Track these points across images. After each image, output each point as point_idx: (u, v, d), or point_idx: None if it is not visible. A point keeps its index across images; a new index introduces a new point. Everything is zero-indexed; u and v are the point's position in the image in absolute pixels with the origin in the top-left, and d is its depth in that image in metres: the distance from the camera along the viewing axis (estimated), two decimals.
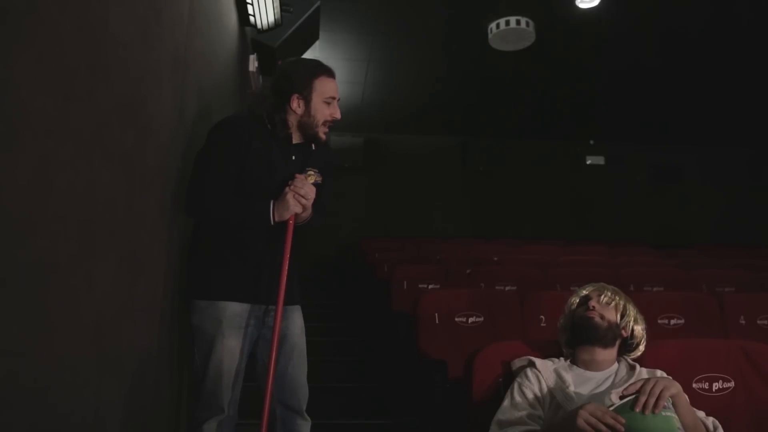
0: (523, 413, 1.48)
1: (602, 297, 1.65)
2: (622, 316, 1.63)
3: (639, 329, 1.64)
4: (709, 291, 3.53)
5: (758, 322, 2.86)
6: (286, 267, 1.78)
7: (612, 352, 1.61)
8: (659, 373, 1.55)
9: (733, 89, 6.43)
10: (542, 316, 2.58)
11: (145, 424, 1.61)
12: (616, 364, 1.61)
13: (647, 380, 1.31)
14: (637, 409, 1.26)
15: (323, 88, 1.86)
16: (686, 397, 1.41)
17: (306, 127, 1.87)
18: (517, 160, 8.17)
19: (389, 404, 2.97)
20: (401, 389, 2.86)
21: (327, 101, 1.86)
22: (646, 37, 5.50)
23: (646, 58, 5.88)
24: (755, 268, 4.39)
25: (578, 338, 1.62)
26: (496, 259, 4.72)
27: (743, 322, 2.85)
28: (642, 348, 1.65)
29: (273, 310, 1.78)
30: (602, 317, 1.60)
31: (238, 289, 1.80)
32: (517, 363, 1.64)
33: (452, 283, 3.49)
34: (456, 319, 2.58)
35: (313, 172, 1.89)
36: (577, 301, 1.69)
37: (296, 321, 1.90)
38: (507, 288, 3.44)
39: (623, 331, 1.62)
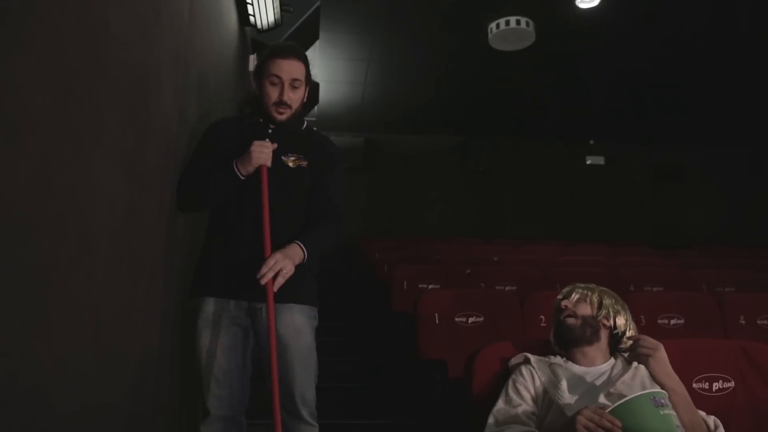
0: (518, 410, 1.50)
1: (573, 296, 1.68)
2: (598, 309, 1.64)
3: (621, 320, 1.65)
4: (709, 291, 3.53)
5: (758, 322, 2.86)
6: (267, 224, 1.69)
7: (601, 346, 1.62)
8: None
9: (734, 89, 6.43)
10: (542, 316, 2.58)
11: (146, 424, 1.61)
12: (612, 360, 1.62)
13: (647, 340, 1.45)
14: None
15: (270, 68, 1.83)
16: (687, 395, 1.42)
17: (263, 107, 1.87)
18: (517, 160, 8.17)
19: (389, 404, 2.96)
20: (401, 389, 2.86)
21: (272, 81, 1.83)
22: (647, 37, 5.50)
23: (647, 58, 5.88)
24: (755, 268, 4.40)
25: (562, 344, 1.65)
26: (496, 259, 4.72)
27: (743, 322, 2.85)
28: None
29: (258, 308, 1.74)
30: (575, 315, 1.63)
31: (216, 285, 1.76)
32: (514, 360, 1.66)
33: (452, 283, 3.49)
34: (456, 319, 2.58)
35: (294, 157, 1.86)
36: (556, 307, 1.72)
37: (286, 321, 1.74)
38: (507, 288, 3.44)
39: (604, 321, 1.63)
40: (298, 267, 1.70)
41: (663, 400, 1.29)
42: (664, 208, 8.16)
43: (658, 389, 1.36)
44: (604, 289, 1.72)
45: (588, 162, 8.26)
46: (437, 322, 2.55)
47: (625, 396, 1.34)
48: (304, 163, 1.87)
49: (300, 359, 1.76)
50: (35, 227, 0.94)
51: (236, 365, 1.79)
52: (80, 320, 1.14)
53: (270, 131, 1.88)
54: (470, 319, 2.59)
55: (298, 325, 1.77)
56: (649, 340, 1.47)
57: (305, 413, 1.77)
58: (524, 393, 1.54)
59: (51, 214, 0.99)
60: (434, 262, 4.56)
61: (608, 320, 1.64)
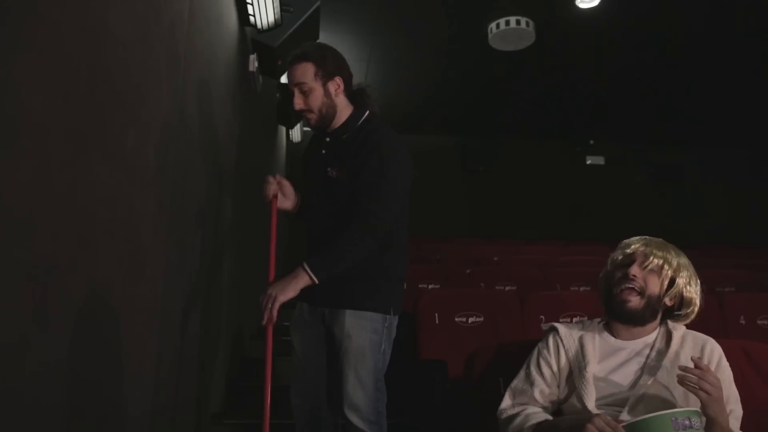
0: (535, 391, 1.43)
1: (648, 263, 1.41)
2: (670, 286, 1.41)
3: (692, 294, 1.42)
4: (709, 291, 3.52)
5: (758, 322, 2.86)
6: (272, 257, 1.85)
7: (653, 324, 1.45)
8: (708, 348, 1.41)
9: (734, 89, 6.43)
10: (542, 316, 2.58)
11: (145, 425, 1.61)
12: (655, 333, 1.46)
13: (710, 377, 1.23)
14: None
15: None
16: (728, 424, 1.30)
17: None
18: (517, 160, 8.17)
19: (389, 404, 2.96)
20: (401, 389, 2.86)
21: (291, 92, 1.85)
22: (646, 37, 5.50)
23: (647, 58, 5.88)
24: (755, 268, 4.40)
25: (611, 315, 1.46)
26: (496, 259, 4.72)
27: (743, 322, 2.84)
28: (695, 313, 1.46)
29: (327, 311, 1.80)
30: (642, 293, 1.39)
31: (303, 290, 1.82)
32: (544, 327, 1.55)
33: (452, 283, 3.49)
34: (456, 319, 2.58)
35: (338, 167, 1.81)
36: (619, 259, 1.46)
37: (338, 324, 1.76)
38: (507, 288, 3.44)
39: (667, 301, 1.43)
40: (340, 275, 1.71)
41: (687, 421, 1.19)
42: (664, 208, 8.16)
43: (686, 408, 1.25)
44: (679, 253, 1.45)
45: (588, 162, 8.26)
46: (437, 322, 2.55)
47: (657, 396, 1.32)
48: (337, 175, 1.81)
49: (348, 362, 1.74)
50: (35, 227, 0.94)
51: (312, 365, 1.86)
52: (80, 320, 1.13)
53: (327, 140, 1.89)
54: (470, 319, 2.59)
55: (347, 329, 1.75)
56: (711, 378, 1.24)
57: (355, 418, 1.72)
58: (545, 370, 1.44)
59: (51, 214, 0.99)
60: (434, 262, 4.56)
61: (673, 300, 1.43)
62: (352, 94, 1.89)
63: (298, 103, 1.82)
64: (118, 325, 1.36)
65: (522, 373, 1.48)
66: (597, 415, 1.24)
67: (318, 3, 3.64)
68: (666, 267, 1.41)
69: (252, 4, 3.15)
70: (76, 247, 1.09)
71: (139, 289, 1.50)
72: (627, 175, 8.27)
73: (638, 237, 1.50)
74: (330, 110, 1.84)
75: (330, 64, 1.83)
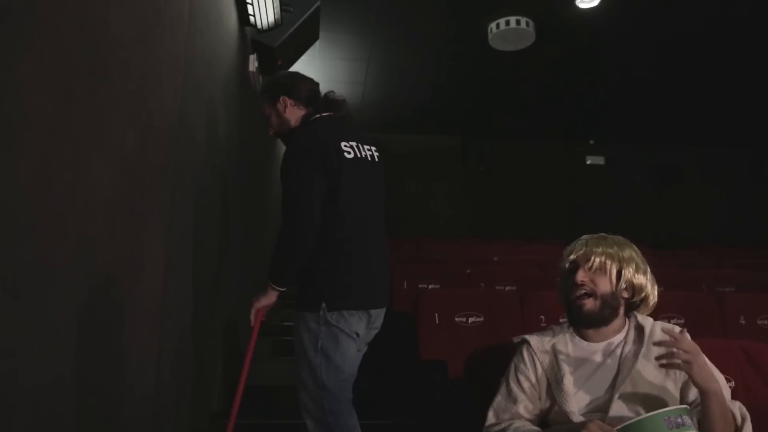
0: (519, 407, 1.43)
1: (591, 263, 1.42)
2: (618, 278, 1.42)
3: (641, 281, 1.43)
4: (709, 291, 3.53)
5: (758, 322, 2.86)
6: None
7: (618, 320, 1.45)
8: (676, 332, 1.36)
9: (734, 89, 6.43)
10: (542, 316, 2.58)
11: (145, 425, 1.61)
12: (624, 329, 1.45)
13: (684, 343, 1.23)
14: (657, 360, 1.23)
15: None
16: (722, 394, 1.28)
17: None
18: (517, 160, 8.18)
19: (389, 404, 2.96)
20: (401, 389, 2.86)
21: None
22: (647, 37, 5.50)
23: (647, 58, 5.88)
24: (755, 268, 4.39)
25: (574, 324, 1.47)
26: (496, 259, 4.72)
27: (743, 322, 2.85)
28: (652, 301, 1.47)
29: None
30: (594, 294, 1.41)
31: None
32: (515, 340, 1.56)
33: (452, 283, 3.49)
34: (456, 319, 2.58)
35: None
36: (566, 267, 1.49)
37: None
38: (507, 288, 3.44)
39: (624, 293, 1.44)
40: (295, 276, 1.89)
41: (680, 419, 1.18)
42: (664, 208, 8.17)
43: (677, 406, 1.25)
44: (620, 243, 1.47)
45: (588, 162, 8.27)
46: (437, 322, 2.55)
47: (638, 393, 1.32)
48: None
49: (295, 364, 1.90)
50: (35, 227, 0.94)
51: None
52: (80, 320, 1.13)
53: None
54: (470, 319, 2.59)
55: (293, 332, 1.92)
56: (686, 344, 1.24)
57: (305, 416, 1.85)
58: (525, 384, 1.45)
59: (51, 214, 0.99)
60: (434, 262, 4.56)
61: (628, 292, 1.44)
62: (316, 103, 2.07)
63: (269, 130, 2.14)
64: (118, 325, 1.36)
65: (502, 390, 1.48)
66: (591, 420, 1.24)
67: (318, 3, 3.64)
68: (608, 262, 1.42)
69: (252, 4, 3.15)
70: (76, 247, 1.09)
71: (139, 289, 1.50)
72: (627, 175, 8.28)
73: (579, 240, 1.52)
74: (284, 124, 2.08)
75: (277, 89, 2.08)
